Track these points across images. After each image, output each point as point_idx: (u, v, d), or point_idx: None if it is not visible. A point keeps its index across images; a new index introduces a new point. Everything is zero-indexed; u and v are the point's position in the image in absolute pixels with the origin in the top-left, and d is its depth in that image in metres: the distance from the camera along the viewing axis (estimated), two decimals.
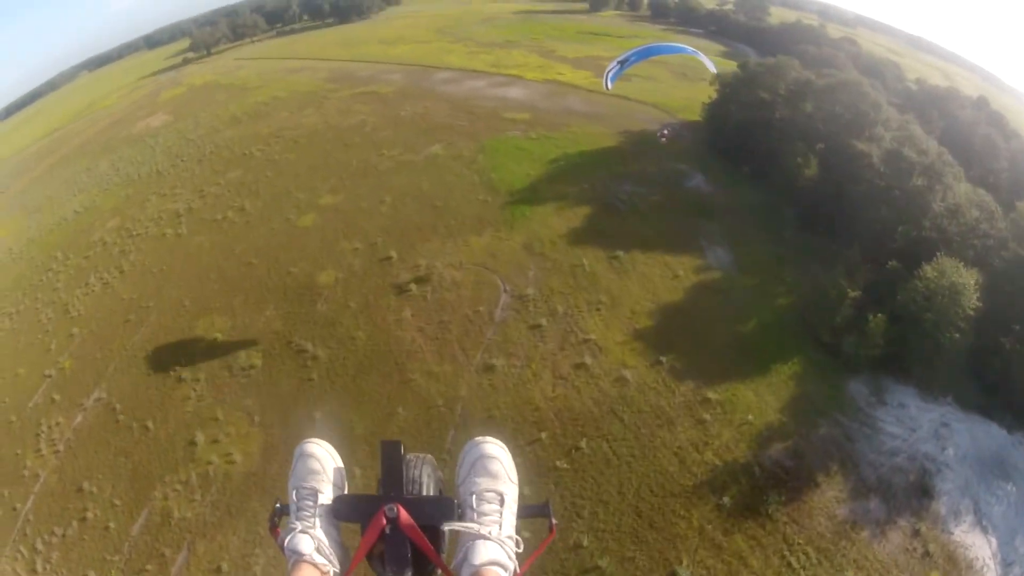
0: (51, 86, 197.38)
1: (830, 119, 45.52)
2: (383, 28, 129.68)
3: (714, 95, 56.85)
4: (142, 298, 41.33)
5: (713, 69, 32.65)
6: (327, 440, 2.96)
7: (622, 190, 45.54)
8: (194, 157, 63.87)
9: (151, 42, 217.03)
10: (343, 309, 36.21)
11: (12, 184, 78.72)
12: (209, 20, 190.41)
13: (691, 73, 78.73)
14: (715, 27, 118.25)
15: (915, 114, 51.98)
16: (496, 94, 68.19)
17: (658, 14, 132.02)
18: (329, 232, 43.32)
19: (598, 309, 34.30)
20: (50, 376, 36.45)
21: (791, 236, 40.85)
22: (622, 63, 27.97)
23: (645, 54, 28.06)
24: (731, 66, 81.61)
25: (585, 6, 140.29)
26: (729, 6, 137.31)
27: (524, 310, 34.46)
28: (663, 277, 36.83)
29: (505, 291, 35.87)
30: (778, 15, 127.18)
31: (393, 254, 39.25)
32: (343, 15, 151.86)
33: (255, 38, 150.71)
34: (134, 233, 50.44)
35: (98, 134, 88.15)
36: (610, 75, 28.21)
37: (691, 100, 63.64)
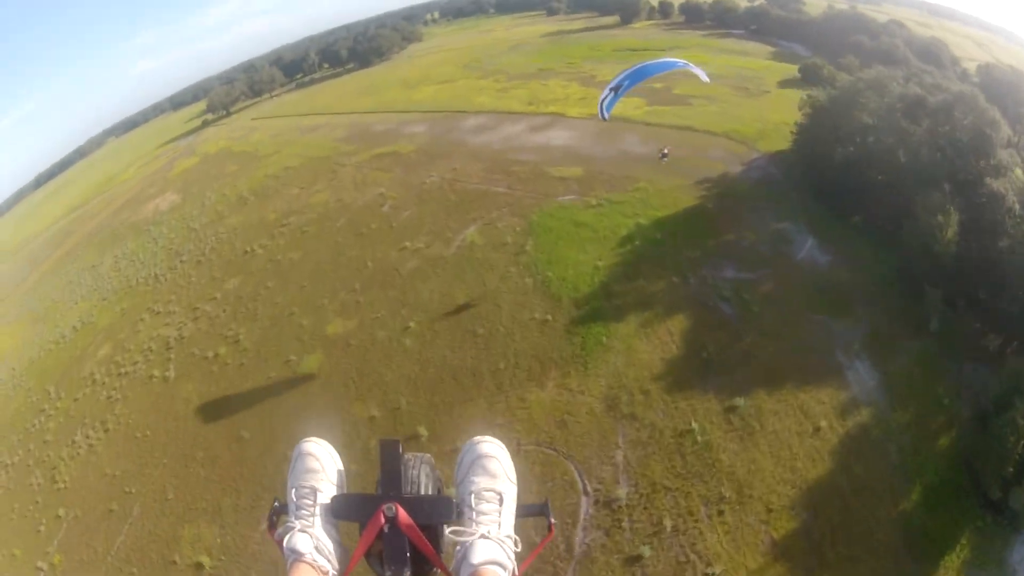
0: (80, 153, 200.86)
1: (952, 147, 34.41)
2: (405, 69, 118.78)
3: (801, 119, 45.29)
4: (125, 476, 32.99)
5: (705, 79, 28.14)
6: (327, 440, 2.81)
7: (723, 280, 33.30)
8: (193, 256, 54.40)
9: (175, 103, 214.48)
10: None
11: (28, 275, 75.17)
12: (230, 77, 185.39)
13: (752, 86, 66.52)
14: (755, 25, 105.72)
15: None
16: (537, 142, 55.94)
17: (692, 19, 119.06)
18: (338, 385, 31.88)
19: (720, 512, 22.47)
20: (42, 571, 29.87)
21: (937, 325, 28.90)
22: (615, 90, 24.67)
23: (638, 76, 24.74)
24: (791, 70, 70.02)
25: (615, 19, 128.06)
26: (762, 1, 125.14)
27: (616, 528, 22.52)
28: (801, 434, 24.81)
29: (586, 494, 23.72)
30: (812, 3, 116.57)
31: (422, 431, 27.24)
32: (363, 59, 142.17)
33: (274, 93, 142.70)
34: (123, 370, 41.79)
35: (110, 217, 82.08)
36: (605, 104, 25.13)
37: (764, 122, 53.68)
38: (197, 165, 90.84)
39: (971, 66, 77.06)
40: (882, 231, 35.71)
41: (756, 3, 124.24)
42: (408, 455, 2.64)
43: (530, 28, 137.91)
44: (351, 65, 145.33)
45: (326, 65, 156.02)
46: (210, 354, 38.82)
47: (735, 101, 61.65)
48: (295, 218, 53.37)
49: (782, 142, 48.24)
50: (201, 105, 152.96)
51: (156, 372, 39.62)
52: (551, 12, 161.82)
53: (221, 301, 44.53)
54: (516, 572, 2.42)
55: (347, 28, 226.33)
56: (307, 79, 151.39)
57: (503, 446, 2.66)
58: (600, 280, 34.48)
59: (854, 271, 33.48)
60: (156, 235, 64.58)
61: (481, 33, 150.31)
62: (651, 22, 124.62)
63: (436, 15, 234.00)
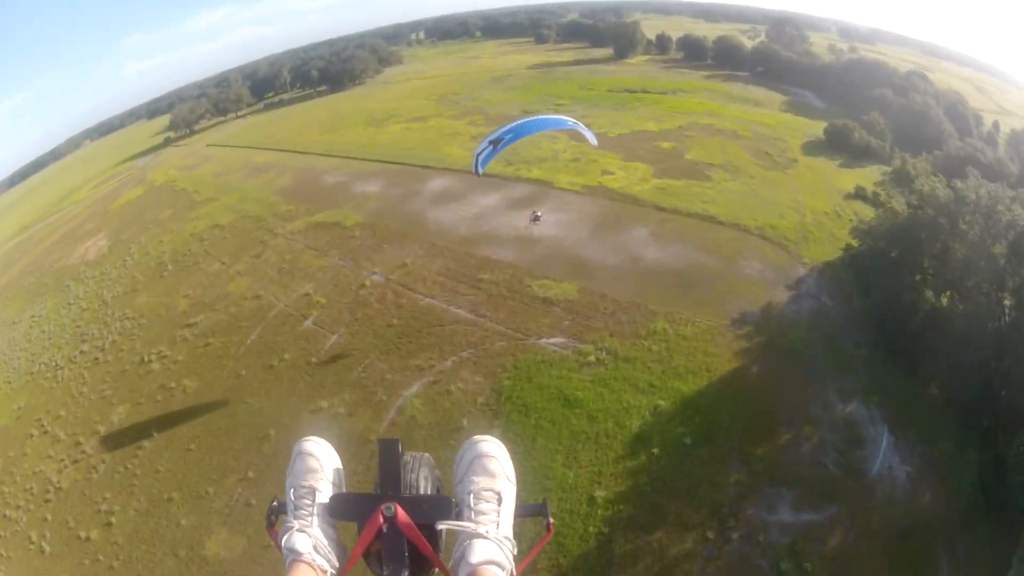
0: (54, 155, 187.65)
1: None
2: (377, 97, 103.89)
3: (856, 238, 35.20)
4: None
5: (594, 142, 24.58)
6: (326, 439, 2.73)
7: (778, 529, 21.32)
8: (95, 346, 41.40)
9: (151, 110, 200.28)
10: None
11: None
12: (205, 88, 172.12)
13: (774, 150, 54.08)
14: (762, 67, 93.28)
15: None
16: (516, 228, 41.25)
17: (693, 55, 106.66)
18: None
19: None
20: None
21: None
22: (495, 143, 20.52)
23: (520, 132, 20.49)
24: (812, 128, 58.19)
25: (607, 52, 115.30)
26: (761, 38, 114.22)
27: None
28: None
29: None
30: (814, 43, 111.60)
31: None
32: (335, 82, 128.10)
33: (239, 112, 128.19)
34: (5, 513, 29.71)
35: (45, 254, 69.74)
36: (481, 158, 20.84)
37: (801, 211, 42.69)
38: (139, 199, 77.14)
39: (987, 119, 71.41)
40: (967, 412, 25.74)
41: (757, 40, 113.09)
42: (407, 455, 2.56)
43: (517, 57, 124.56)
44: (323, 87, 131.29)
45: (298, 86, 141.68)
46: (82, 534, 26.65)
47: (760, 175, 48.81)
48: (204, 317, 39.37)
49: (828, 247, 37.78)
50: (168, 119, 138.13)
51: (34, 536, 27.60)
52: (540, 39, 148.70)
53: (103, 443, 31.68)
54: (515, 572, 2.33)
55: (330, 44, 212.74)
56: (276, 99, 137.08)
57: (502, 445, 2.56)
58: (597, 527, 21.22)
59: (937, 490, 23.22)
60: (73, 297, 51.32)
61: (465, 59, 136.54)
62: (647, 57, 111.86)
63: (422, 35, 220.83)
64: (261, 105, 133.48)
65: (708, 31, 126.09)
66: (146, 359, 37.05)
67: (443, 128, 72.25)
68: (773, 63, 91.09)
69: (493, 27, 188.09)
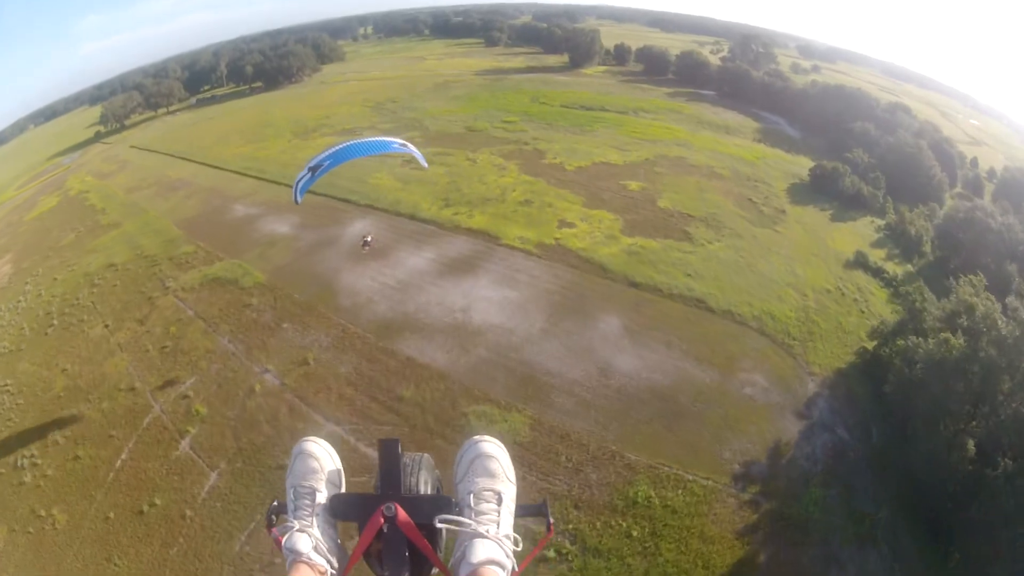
0: None
1: None
2: (310, 101, 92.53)
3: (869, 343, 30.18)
4: None
5: (425, 165, 21.75)
6: (326, 440, 2.68)
7: None
8: None
9: (94, 97, 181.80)
10: None
11: None
12: (145, 73, 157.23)
13: (758, 197, 46.40)
14: (728, 87, 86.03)
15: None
16: (451, 308, 31.36)
17: (653, 69, 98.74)
18: None
19: None
20: None
21: None
22: (314, 170, 17.95)
23: (340, 158, 17.86)
24: (793, 166, 51.96)
25: (563, 60, 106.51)
26: (724, 52, 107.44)
27: None
28: None
29: None
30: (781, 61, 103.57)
31: None
32: (270, 79, 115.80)
33: (170, 108, 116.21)
34: None
35: None
36: (300, 186, 18.35)
37: (801, 289, 34.76)
38: (51, 212, 65.13)
39: (966, 152, 67.88)
40: None
41: (720, 55, 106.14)
42: (406, 455, 2.52)
43: (464, 61, 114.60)
44: (258, 84, 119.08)
45: (232, 82, 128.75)
46: None
47: (748, 232, 40.80)
48: (77, 410, 29.15)
49: (836, 345, 30.47)
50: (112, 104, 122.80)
51: None
52: (491, 42, 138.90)
53: None
54: (515, 571, 2.28)
55: (276, 34, 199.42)
56: (209, 95, 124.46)
57: (502, 446, 2.51)
58: None
59: None
60: None
61: (410, 60, 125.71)
62: (605, 68, 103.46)
63: (369, 30, 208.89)
64: (194, 100, 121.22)
65: (666, 41, 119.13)
66: (19, 464, 26.77)
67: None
68: (743, 84, 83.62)
69: (443, 26, 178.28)
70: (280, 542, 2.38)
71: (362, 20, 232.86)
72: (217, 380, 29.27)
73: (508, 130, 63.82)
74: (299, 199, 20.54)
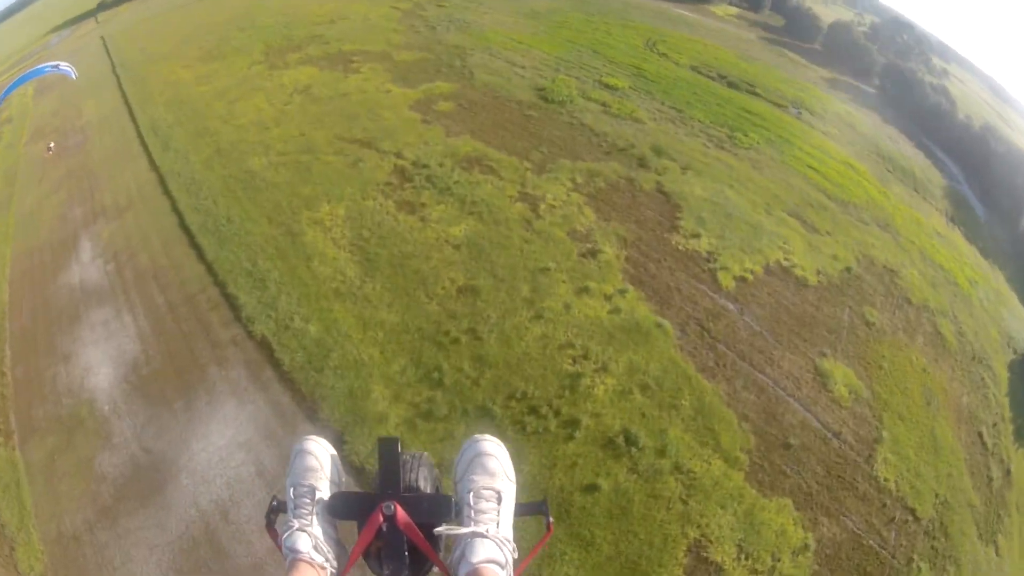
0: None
1: None
2: None
3: None
4: None
5: (73, 76, 21.24)
6: (325, 438, 2.57)
7: None
8: None
9: None
10: None
11: None
12: None
13: (986, 428, 21.75)
14: (893, 89, 58.32)
15: None
16: None
17: (797, 31, 68.32)
18: None
19: None
20: None
21: None
22: None
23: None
24: (1000, 292, 31.09)
25: None
26: (865, 28, 75.52)
27: None
28: None
29: None
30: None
31: None
32: None
33: None
34: None
35: None
36: None
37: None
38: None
39: None
40: None
41: (861, 29, 76.12)
42: (406, 454, 2.40)
43: None
44: None
45: None
46: None
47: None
48: None
49: None
50: None
51: None
52: None
53: None
54: (515, 571, 2.19)
55: None
56: None
57: (502, 445, 2.40)
58: None
59: None
60: None
61: None
62: (736, 10, 73.69)
63: None
64: None
65: None
66: None
67: (373, 101, 33.96)
68: (910, 93, 55.41)
69: None
70: (280, 541, 2.23)
71: None
72: None
73: (610, 110, 35.69)
74: None
